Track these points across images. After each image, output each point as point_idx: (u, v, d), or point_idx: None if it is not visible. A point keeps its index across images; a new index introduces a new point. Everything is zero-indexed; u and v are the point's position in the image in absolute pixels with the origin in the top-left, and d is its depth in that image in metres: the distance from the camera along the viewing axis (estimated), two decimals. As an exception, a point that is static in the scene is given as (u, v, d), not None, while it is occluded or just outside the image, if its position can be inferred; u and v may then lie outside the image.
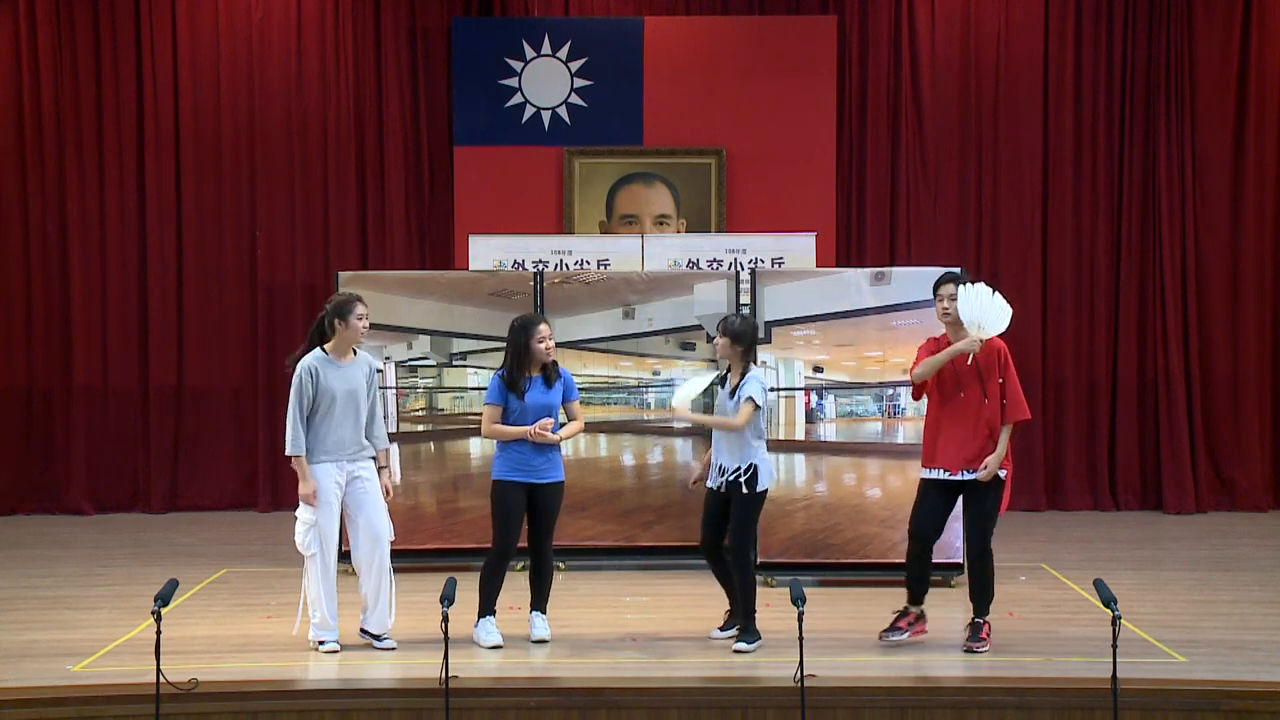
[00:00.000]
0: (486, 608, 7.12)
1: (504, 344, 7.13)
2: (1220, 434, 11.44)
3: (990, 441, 6.85)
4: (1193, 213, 11.38)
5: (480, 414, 7.31)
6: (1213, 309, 11.44)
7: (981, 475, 6.82)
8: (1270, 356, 11.54)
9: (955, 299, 6.86)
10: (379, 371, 7.22)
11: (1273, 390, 11.55)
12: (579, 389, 7.38)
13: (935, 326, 7.31)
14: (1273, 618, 7.73)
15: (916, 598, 7.05)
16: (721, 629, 7.21)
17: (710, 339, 8.48)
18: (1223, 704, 6.34)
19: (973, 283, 6.90)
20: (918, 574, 7.06)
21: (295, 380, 6.93)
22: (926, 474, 7.00)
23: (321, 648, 6.99)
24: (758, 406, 6.93)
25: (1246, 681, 6.50)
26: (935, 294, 7.01)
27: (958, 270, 7.01)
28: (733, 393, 7.04)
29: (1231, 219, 11.42)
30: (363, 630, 7.13)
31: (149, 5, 11.31)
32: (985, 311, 6.80)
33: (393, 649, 7.01)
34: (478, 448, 8.92)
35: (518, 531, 7.11)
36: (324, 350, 6.98)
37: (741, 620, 7.05)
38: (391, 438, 8.70)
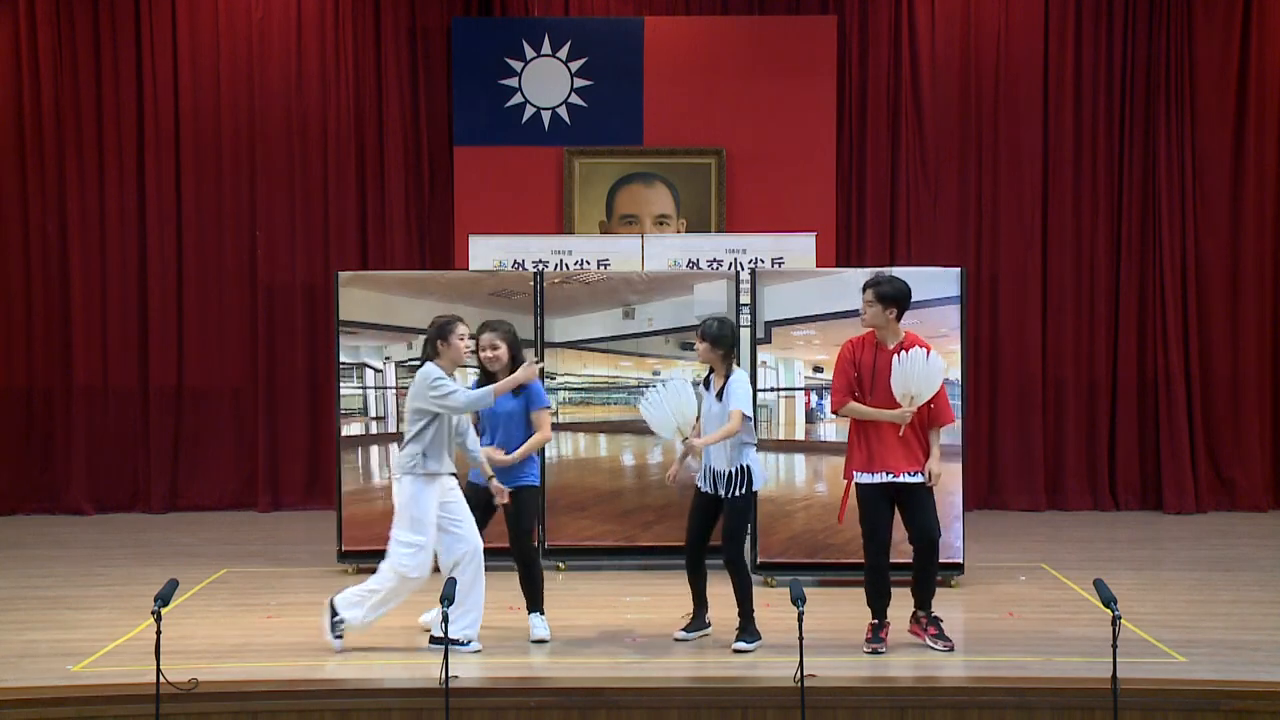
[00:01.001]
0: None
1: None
2: (1220, 434, 11.44)
3: (921, 444, 6.91)
4: (1193, 213, 11.37)
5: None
6: (1213, 309, 11.43)
7: (930, 481, 6.90)
8: (1270, 356, 11.53)
9: (871, 305, 6.91)
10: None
11: (1273, 390, 11.54)
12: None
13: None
14: (1273, 618, 7.73)
15: (885, 610, 7.05)
16: (686, 630, 7.23)
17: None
18: (1223, 704, 6.34)
19: (907, 350, 6.90)
20: (888, 586, 7.03)
21: (436, 378, 6.81)
22: (868, 479, 6.93)
23: (337, 642, 6.93)
24: (746, 416, 6.97)
25: (1246, 681, 6.50)
26: (862, 292, 7.04)
27: (884, 274, 7.06)
28: (719, 395, 7.05)
29: (1231, 219, 11.42)
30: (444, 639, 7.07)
31: (149, 5, 11.31)
32: (916, 382, 6.83)
33: (478, 651, 6.96)
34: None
35: (479, 529, 7.15)
36: (434, 364, 6.98)
37: (741, 620, 7.06)
38: (392, 438, 8.75)
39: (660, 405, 7.04)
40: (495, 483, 7.11)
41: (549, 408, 7.30)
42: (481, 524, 7.12)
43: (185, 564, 9.11)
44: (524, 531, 7.19)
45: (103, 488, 11.36)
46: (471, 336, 7.09)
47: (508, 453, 7.14)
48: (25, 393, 11.37)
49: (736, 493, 7.01)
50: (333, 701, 6.41)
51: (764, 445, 8.63)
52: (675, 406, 7.02)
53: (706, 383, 7.17)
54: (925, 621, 7.06)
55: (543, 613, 7.21)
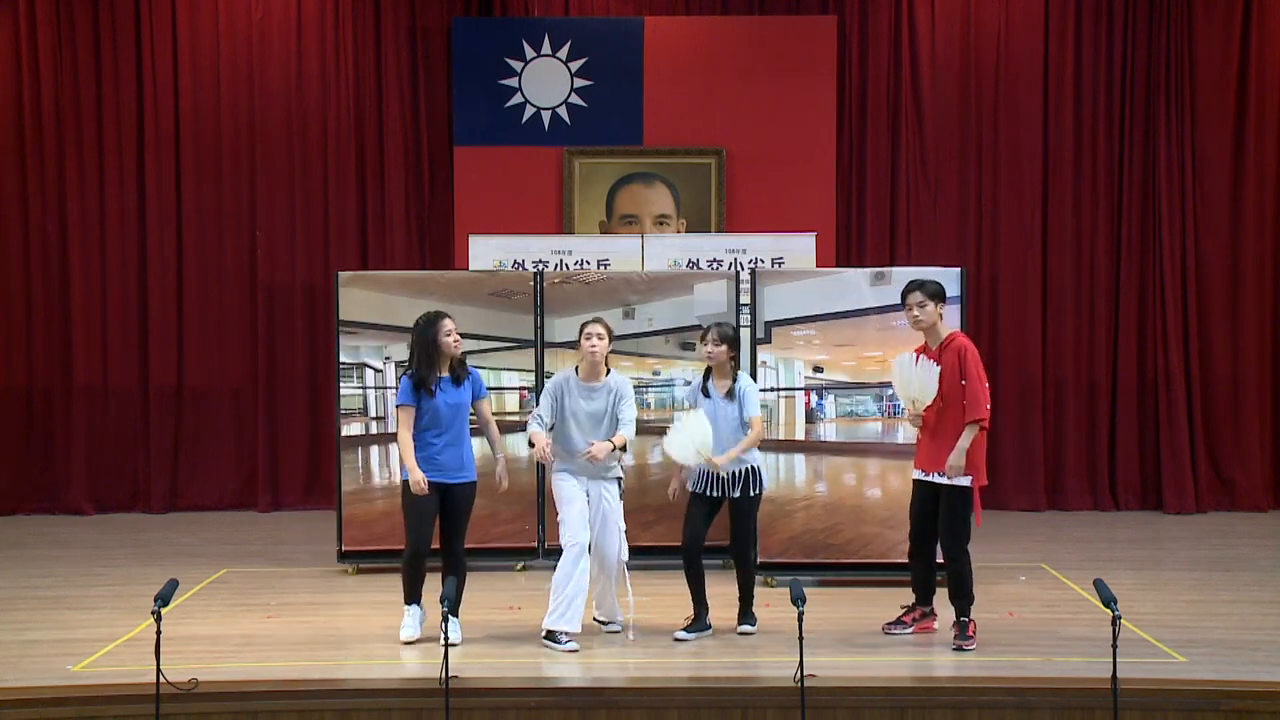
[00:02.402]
0: (409, 597, 7.14)
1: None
2: (1220, 434, 11.44)
3: (951, 443, 6.91)
4: (1193, 213, 11.38)
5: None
6: (1213, 309, 11.43)
7: (946, 476, 6.91)
8: (1270, 356, 11.54)
9: (923, 306, 6.96)
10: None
11: (1273, 390, 11.55)
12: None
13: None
14: (1273, 618, 7.73)
15: (924, 598, 7.16)
16: (686, 631, 7.23)
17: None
18: (1223, 704, 6.34)
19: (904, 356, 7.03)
20: (919, 575, 7.18)
21: (544, 391, 7.25)
22: (913, 474, 7.20)
23: (556, 645, 6.94)
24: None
25: (1246, 681, 6.50)
26: (903, 302, 7.08)
27: (923, 279, 7.10)
28: (728, 396, 7.11)
29: (1231, 219, 11.42)
30: (595, 619, 7.32)
31: (149, 5, 11.31)
32: (912, 386, 6.95)
33: (575, 650, 6.96)
34: (476, 448, 8.87)
35: (429, 529, 7.07)
36: (576, 369, 7.14)
37: (745, 605, 7.25)
38: (391, 438, 8.70)
39: (677, 438, 7.08)
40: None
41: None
42: (429, 525, 7.08)
43: (185, 564, 9.11)
44: (459, 528, 7.12)
45: (103, 488, 11.36)
46: (588, 335, 7.11)
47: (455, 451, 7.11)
48: (25, 393, 11.37)
49: (748, 493, 7.13)
50: (333, 701, 6.41)
51: (764, 446, 8.63)
52: (692, 434, 7.06)
53: (705, 390, 7.19)
54: (956, 626, 7.06)
55: (457, 615, 6.72)
